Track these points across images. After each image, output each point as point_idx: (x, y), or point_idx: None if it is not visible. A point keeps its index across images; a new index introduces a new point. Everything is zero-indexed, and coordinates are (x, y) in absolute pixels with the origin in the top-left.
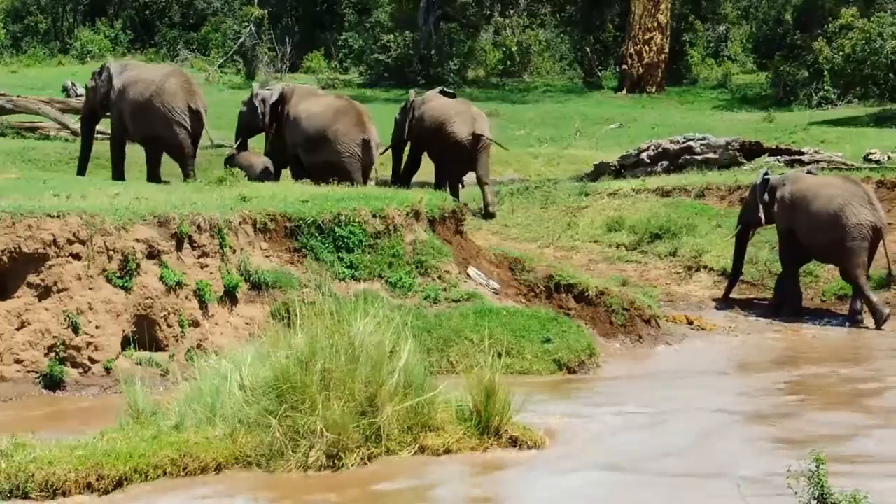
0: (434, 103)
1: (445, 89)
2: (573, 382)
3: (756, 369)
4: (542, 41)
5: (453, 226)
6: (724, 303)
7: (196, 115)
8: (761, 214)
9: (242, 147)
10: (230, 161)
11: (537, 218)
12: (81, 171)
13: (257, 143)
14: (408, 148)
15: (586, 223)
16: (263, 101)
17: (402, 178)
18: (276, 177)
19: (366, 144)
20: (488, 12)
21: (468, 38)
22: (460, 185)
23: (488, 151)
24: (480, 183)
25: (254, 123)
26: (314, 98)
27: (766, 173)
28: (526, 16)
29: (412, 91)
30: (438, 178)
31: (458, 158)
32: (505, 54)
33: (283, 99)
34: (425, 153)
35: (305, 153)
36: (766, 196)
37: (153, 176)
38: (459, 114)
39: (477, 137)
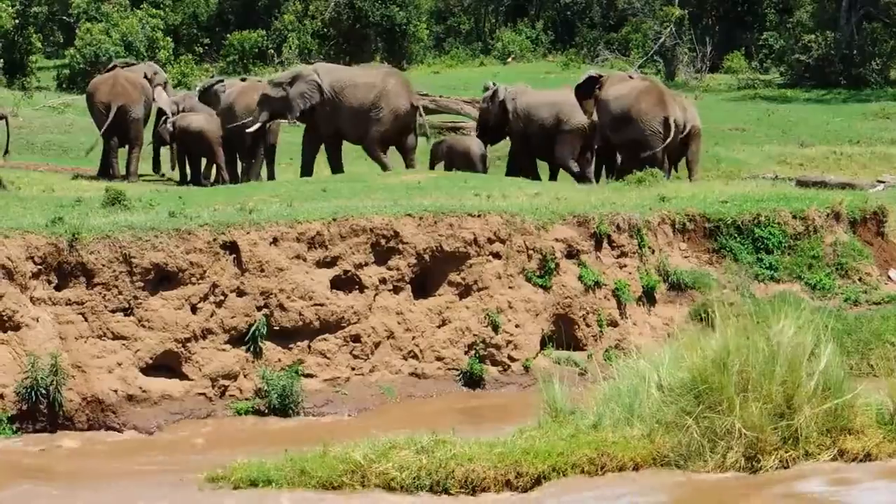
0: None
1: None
2: None
3: None
4: None
5: (874, 227)
6: None
7: (414, 111)
8: None
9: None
10: (440, 145)
11: None
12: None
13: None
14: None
15: None
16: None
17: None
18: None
19: (667, 122)
20: None
21: (891, 38)
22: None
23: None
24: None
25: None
26: (623, 82)
27: None
28: None
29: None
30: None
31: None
32: None
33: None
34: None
35: (613, 133)
36: None
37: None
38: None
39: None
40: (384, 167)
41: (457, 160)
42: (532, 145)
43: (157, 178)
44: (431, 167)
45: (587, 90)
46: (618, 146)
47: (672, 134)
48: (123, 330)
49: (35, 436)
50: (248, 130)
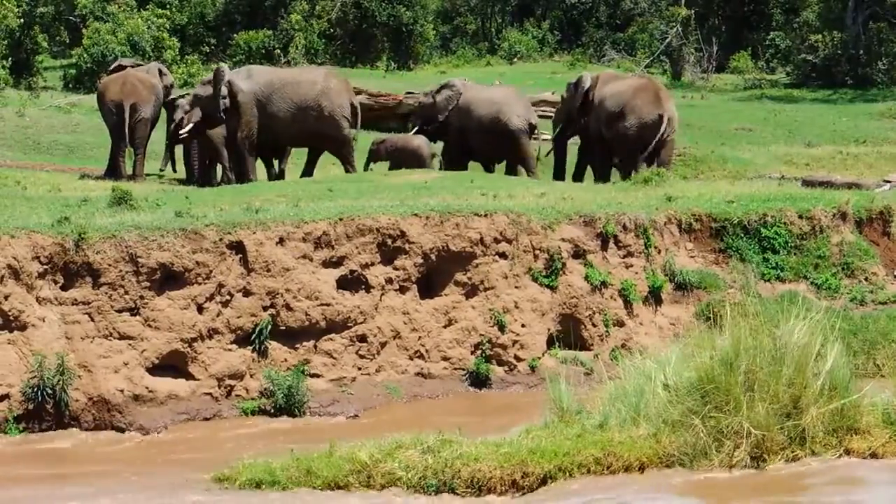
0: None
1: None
2: None
3: None
4: None
5: (880, 227)
6: None
7: (355, 110)
8: None
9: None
10: (381, 144)
11: None
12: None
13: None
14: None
15: None
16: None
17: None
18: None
19: (661, 119)
20: None
21: None
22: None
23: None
24: None
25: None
26: (618, 79)
27: None
28: None
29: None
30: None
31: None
32: None
33: (592, 85)
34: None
35: (607, 129)
36: None
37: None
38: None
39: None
40: (353, 167)
41: (404, 159)
42: (468, 142)
43: (168, 178)
44: (366, 167)
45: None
46: (609, 140)
47: (662, 130)
48: (129, 330)
49: (41, 435)
50: (180, 132)
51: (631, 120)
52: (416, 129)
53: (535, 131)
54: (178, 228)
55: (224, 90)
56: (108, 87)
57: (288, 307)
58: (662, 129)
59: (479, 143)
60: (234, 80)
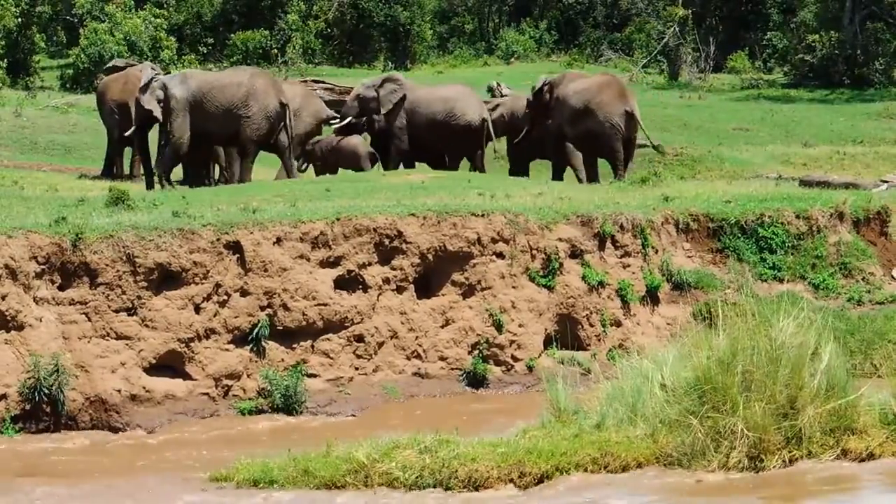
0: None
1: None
2: None
3: None
4: None
5: (878, 227)
6: None
7: (284, 109)
8: None
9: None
10: (317, 144)
11: None
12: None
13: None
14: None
15: None
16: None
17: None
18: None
19: (628, 116)
20: None
21: (895, 38)
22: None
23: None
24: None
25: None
26: (582, 78)
27: None
28: None
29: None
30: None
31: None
32: None
33: (551, 85)
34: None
35: (570, 126)
36: None
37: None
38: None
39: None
40: (245, 174)
41: (342, 160)
42: (420, 141)
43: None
44: (302, 168)
45: (540, 99)
46: (572, 139)
47: (633, 126)
48: (127, 330)
49: (38, 435)
50: (125, 135)
51: (598, 117)
52: (348, 119)
53: (488, 128)
54: (175, 228)
55: (160, 95)
56: (109, 87)
57: (285, 307)
58: (625, 124)
59: (433, 141)
60: (169, 85)
